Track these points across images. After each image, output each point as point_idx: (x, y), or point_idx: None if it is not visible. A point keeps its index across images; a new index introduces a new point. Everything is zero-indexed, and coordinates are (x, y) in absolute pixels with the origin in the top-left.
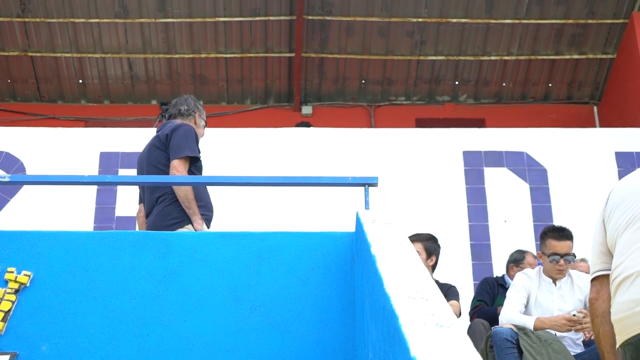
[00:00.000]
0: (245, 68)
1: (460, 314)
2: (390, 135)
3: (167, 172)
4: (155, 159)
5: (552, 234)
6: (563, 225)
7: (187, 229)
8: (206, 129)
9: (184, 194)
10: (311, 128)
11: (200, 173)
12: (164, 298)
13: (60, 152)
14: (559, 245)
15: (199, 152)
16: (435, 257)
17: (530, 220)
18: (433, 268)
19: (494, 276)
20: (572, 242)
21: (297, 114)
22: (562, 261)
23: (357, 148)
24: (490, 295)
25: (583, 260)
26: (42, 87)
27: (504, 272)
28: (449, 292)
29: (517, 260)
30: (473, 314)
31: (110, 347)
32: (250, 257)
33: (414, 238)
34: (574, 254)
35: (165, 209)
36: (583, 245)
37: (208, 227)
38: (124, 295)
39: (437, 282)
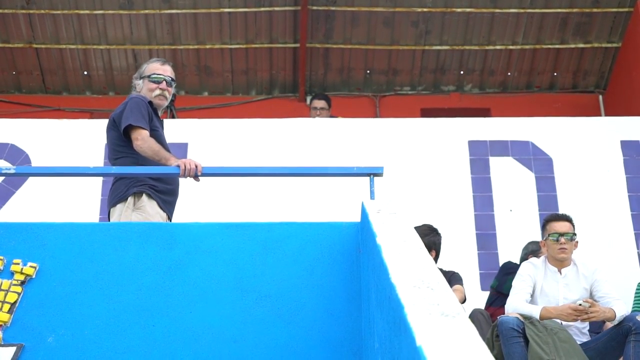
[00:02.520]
0: (250, 59)
1: (465, 299)
2: (395, 125)
3: (121, 151)
4: (110, 140)
5: (551, 217)
6: None
7: (121, 207)
8: (207, 119)
9: (150, 151)
10: (321, 119)
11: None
12: (169, 289)
13: (66, 143)
14: (558, 225)
15: (147, 119)
16: (436, 250)
17: (536, 209)
18: (435, 261)
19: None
20: (572, 224)
21: (302, 105)
22: (562, 239)
23: (362, 138)
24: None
25: None
26: (47, 78)
27: (519, 261)
28: (452, 278)
29: (534, 251)
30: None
31: (116, 338)
32: (256, 247)
33: None
34: (574, 233)
35: (112, 187)
36: (589, 232)
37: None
38: (130, 286)
39: (440, 269)
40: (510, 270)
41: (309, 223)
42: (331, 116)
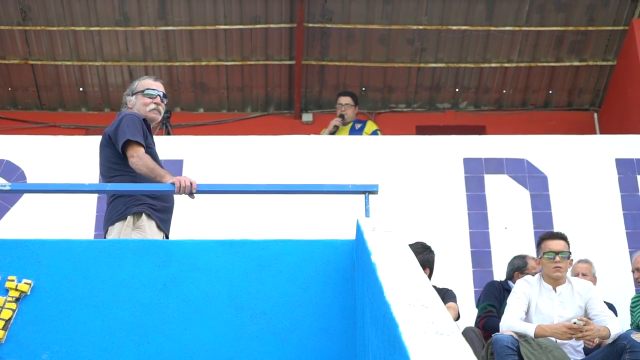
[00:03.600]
0: (245, 76)
1: (459, 317)
2: (390, 143)
3: (116, 169)
4: (105, 157)
5: (546, 235)
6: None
7: (119, 226)
8: (202, 136)
9: (146, 169)
10: (312, 135)
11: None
12: (164, 306)
13: (61, 160)
14: (553, 244)
15: (142, 135)
16: (430, 268)
17: (530, 227)
18: (429, 278)
19: (499, 280)
20: (567, 243)
21: (297, 122)
22: (557, 257)
23: (357, 155)
24: (498, 299)
25: (583, 261)
26: (42, 95)
27: (505, 277)
28: (446, 295)
29: (520, 268)
30: (482, 319)
31: (110, 355)
32: (251, 265)
33: None
34: (570, 252)
35: (110, 206)
36: (584, 250)
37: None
38: (125, 303)
39: (434, 287)
40: (489, 289)
41: (304, 240)
42: (375, 131)
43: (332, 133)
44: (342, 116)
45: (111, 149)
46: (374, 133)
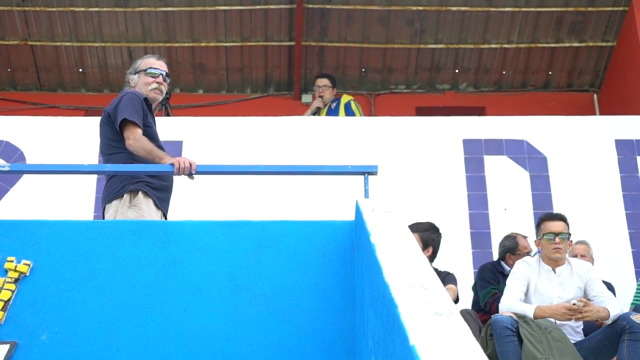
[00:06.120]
0: (245, 57)
1: (457, 299)
2: (390, 124)
3: (115, 146)
4: (104, 134)
5: (545, 217)
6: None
7: (116, 204)
8: (202, 117)
9: (143, 151)
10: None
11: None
12: (163, 287)
13: (61, 141)
14: (553, 225)
15: (141, 115)
16: (433, 248)
17: (530, 208)
18: (432, 259)
19: (491, 262)
20: (567, 224)
21: (297, 103)
22: (557, 239)
23: (357, 137)
24: (496, 281)
25: (581, 242)
26: (42, 76)
27: (497, 257)
28: (447, 278)
29: (511, 249)
30: (493, 303)
31: (110, 336)
32: (250, 246)
33: (413, 228)
34: (569, 233)
35: (108, 183)
36: (583, 231)
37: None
38: (124, 284)
39: (435, 270)
40: (485, 273)
41: (303, 221)
42: (348, 102)
43: (314, 114)
44: (321, 97)
45: (110, 127)
46: (347, 104)
